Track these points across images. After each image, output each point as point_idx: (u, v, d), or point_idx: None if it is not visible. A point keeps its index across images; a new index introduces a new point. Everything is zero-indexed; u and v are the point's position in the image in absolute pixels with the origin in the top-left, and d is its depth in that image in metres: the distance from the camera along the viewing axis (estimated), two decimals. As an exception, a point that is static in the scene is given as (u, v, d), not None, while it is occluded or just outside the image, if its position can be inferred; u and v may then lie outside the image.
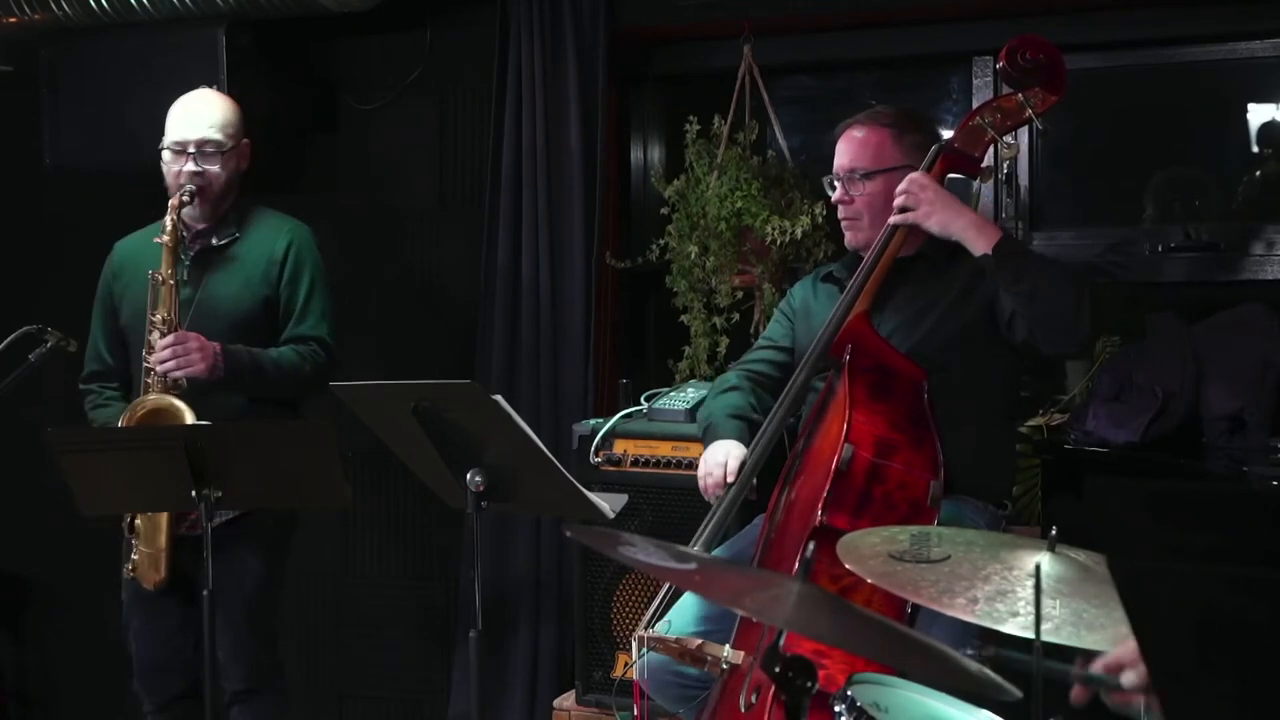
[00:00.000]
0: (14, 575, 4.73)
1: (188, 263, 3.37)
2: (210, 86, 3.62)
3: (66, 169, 4.21)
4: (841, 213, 3.03)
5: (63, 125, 4.17)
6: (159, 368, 3.22)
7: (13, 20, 4.12)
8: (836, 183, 3.02)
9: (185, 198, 3.29)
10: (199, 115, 3.37)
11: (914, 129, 3.01)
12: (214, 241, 3.39)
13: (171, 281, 3.26)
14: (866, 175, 2.96)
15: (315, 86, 4.32)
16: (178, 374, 3.20)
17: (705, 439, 3.04)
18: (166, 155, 3.37)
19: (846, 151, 3.01)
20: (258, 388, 3.33)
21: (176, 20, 4.00)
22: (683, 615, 2.79)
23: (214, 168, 3.34)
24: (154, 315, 3.26)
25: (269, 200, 3.57)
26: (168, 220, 3.26)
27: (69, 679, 4.71)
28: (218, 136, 3.35)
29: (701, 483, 2.94)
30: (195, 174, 3.32)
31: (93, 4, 4.00)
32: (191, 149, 3.33)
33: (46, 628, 4.74)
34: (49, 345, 3.32)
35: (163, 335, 3.23)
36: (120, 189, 3.56)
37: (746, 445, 2.92)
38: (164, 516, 3.23)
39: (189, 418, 3.17)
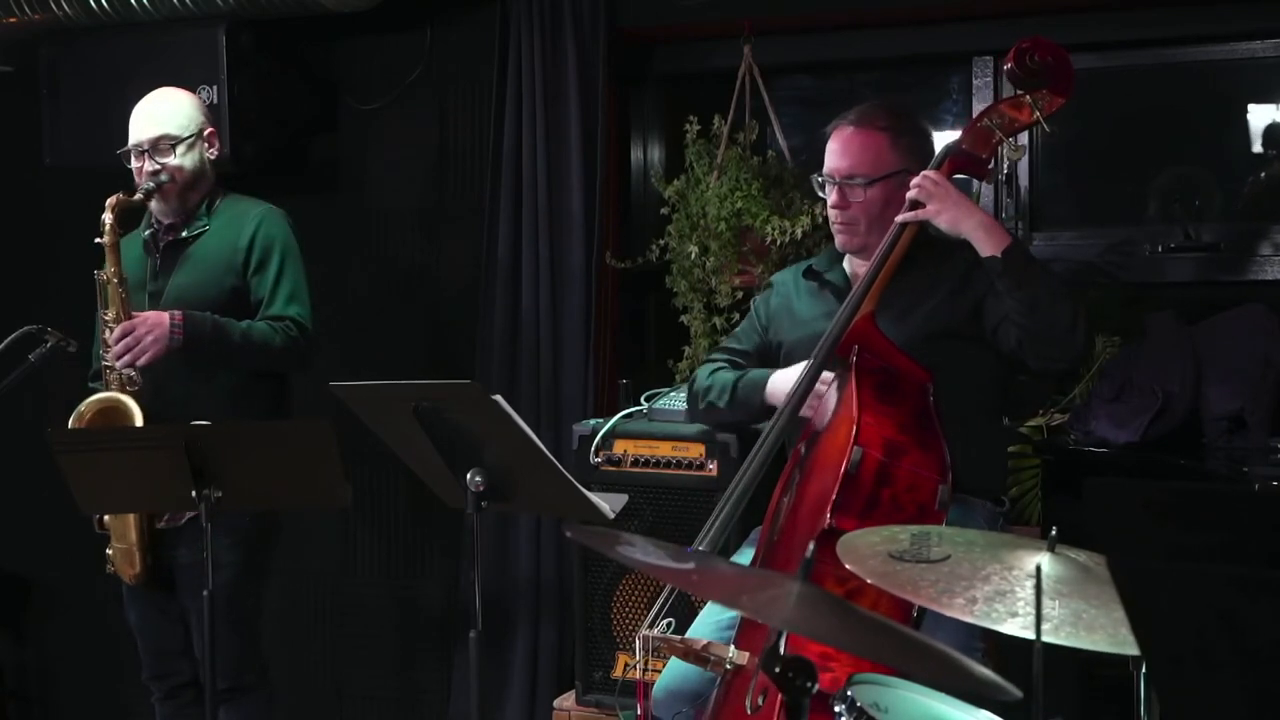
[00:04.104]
0: (14, 575, 4.73)
1: (159, 257, 3.42)
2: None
3: (66, 169, 4.22)
4: (837, 217, 2.96)
5: (63, 125, 4.18)
6: (115, 364, 3.25)
7: (13, 20, 4.12)
8: (830, 185, 2.96)
9: (139, 195, 3.33)
10: (148, 114, 3.39)
11: (909, 131, 2.98)
12: (183, 234, 3.42)
13: (116, 280, 3.28)
14: (868, 183, 2.91)
15: (315, 86, 4.32)
16: (139, 362, 3.23)
17: (740, 395, 3.02)
18: (131, 159, 3.40)
19: (843, 154, 2.94)
20: (224, 357, 3.32)
21: (176, 20, 4.00)
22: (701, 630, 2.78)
23: (171, 160, 3.35)
24: (105, 314, 3.30)
25: (270, 200, 3.56)
26: (106, 218, 3.28)
27: (69, 679, 4.71)
28: (170, 131, 3.36)
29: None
30: (153, 173, 3.34)
31: (93, 4, 4.00)
32: (145, 147, 3.36)
33: (46, 628, 4.74)
34: (49, 345, 3.33)
35: (113, 331, 3.26)
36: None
37: None
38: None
39: (138, 416, 3.21)
